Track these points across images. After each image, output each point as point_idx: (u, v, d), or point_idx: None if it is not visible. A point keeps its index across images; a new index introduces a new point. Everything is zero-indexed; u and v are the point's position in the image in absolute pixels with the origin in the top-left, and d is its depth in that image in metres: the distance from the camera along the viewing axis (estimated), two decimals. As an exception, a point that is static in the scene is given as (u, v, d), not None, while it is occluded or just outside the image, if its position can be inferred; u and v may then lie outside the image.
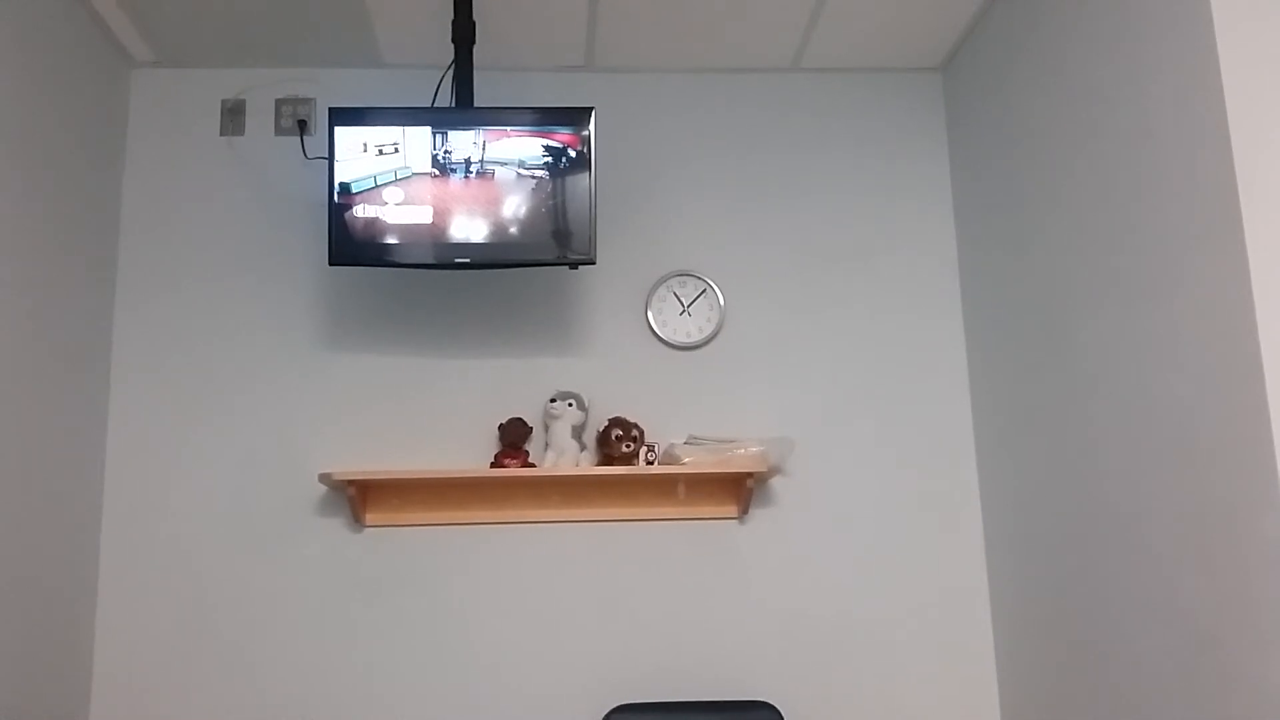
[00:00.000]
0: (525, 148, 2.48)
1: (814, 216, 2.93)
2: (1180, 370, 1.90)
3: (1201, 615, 1.85)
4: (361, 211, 2.47)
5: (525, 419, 2.72)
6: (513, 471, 2.61)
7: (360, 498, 2.66)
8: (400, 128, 2.48)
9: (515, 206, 2.48)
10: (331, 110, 2.50)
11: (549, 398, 2.70)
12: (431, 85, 2.75)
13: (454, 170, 2.47)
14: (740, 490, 2.71)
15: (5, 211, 2.24)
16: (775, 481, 2.79)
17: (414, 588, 2.69)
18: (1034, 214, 2.48)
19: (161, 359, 2.76)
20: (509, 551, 2.72)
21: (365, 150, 2.48)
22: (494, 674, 2.66)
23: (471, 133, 2.48)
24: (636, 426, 2.69)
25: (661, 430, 2.77)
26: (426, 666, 2.66)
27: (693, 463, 2.61)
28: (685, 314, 2.85)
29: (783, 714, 2.61)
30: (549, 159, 2.49)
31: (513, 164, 2.48)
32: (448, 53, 2.64)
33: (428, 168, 2.47)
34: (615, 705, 2.64)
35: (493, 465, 2.66)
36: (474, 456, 2.74)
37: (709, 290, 2.86)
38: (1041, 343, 2.45)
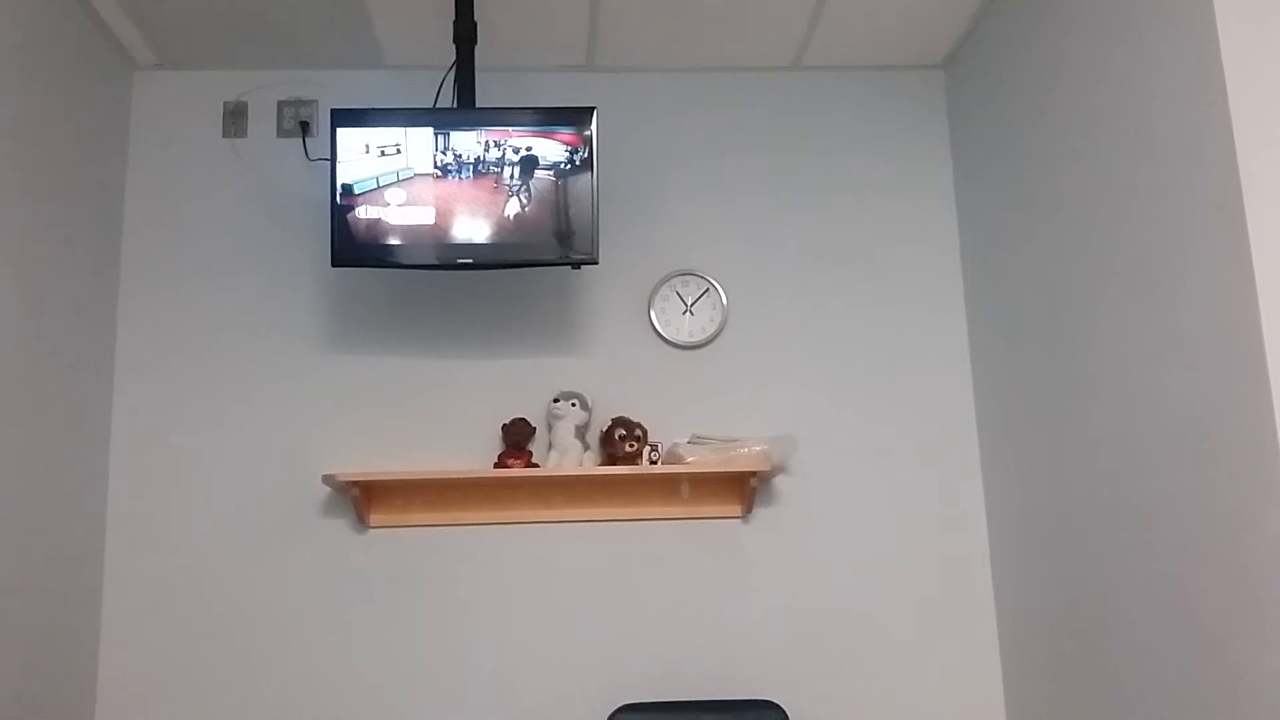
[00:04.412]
0: (530, 149, 2.48)
1: (817, 215, 2.92)
2: (1184, 367, 1.89)
3: (1206, 612, 1.84)
4: (364, 213, 2.47)
5: (528, 419, 2.72)
6: (516, 472, 2.61)
7: (364, 499, 2.66)
8: (402, 129, 2.48)
9: (517, 207, 2.48)
10: (333, 112, 2.51)
11: (552, 398, 2.70)
12: (433, 86, 2.75)
13: (456, 171, 2.48)
14: (744, 489, 2.71)
15: (8, 213, 2.25)
16: (779, 480, 2.79)
17: (418, 588, 2.69)
18: (1037, 211, 2.48)
19: (165, 361, 2.76)
20: (513, 552, 2.72)
21: (367, 151, 2.48)
22: (498, 674, 2.66)
23: (473, 133, 2.48)
24: (640, 426, 2.69)
25: (665, 430, 2.77)
26: (431, 667, 2.66)
27: (696, 462, 2.61)
28: (688, 313, 2.85)
29: (788, 713, 2.60)
30: (551, 159, 2.49)
31: (515, 164, 2.48)
32: (449, 53, 2.64)
33: (430, 168, 2.47)
34: (620, 705, 2.64)
35: (496, 466, 2.66)
36: (477, 457, 2.74)
37: (712, 289, 2.86)
38: (1045, 340, 2.44)
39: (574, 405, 2.67)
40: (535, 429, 2.72)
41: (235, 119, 2.88)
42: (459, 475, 2.61)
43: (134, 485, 2.70)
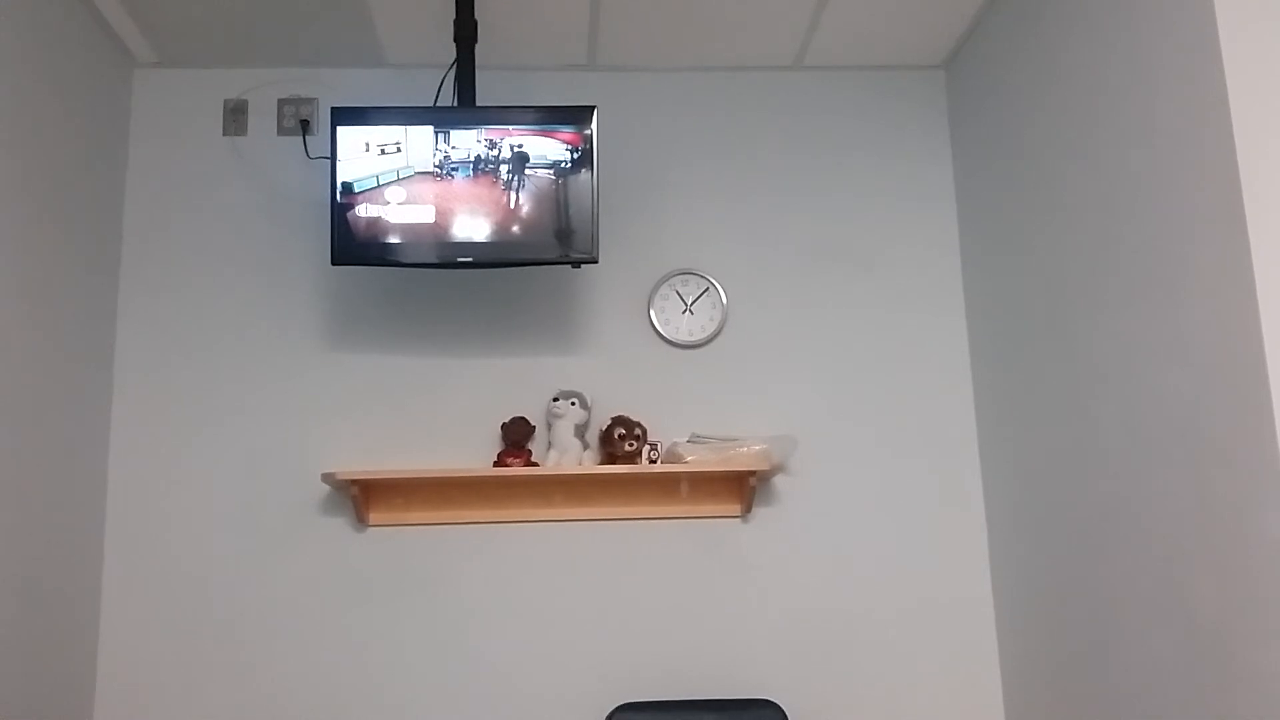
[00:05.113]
0: (528, 147, 2.48)
1: (817, 214, 2.92)
2: (1184, 367, 1.89)
3: (1206, 613, 1.84)
4: (364, 211, 2.47)
5: (528, 418, 2.72)
6: (516, 471, 2.61)
7: (363, 497, 2.66)
8: (402, 127, 2.48)
9: (516, 205, 2.48)
10: (334, 110, 2.51)
11: (552, 397, 2.70)
12: (434, 84, 2.75)
13: (456, 169, 2.48)
14: (743, 489, 2.71)
15: (7, 211, 2.25)
16: (778, 480, 2.79)
17: (417, 587, 2.69)
18: (1037, 211, 2.48)
19: (164, 359, 2.76)
20: (512, 551, 2.72)
21: (367, 150, 2.48)
22: (497, 672, 2.66)
23: (474, 132, 2.48)
24: (639, 425, 2.69)
25: (664, 429, 2.76)
26: (430, 665, 2.66)
27: (696, 461, 2.61)
28: (688, 312, 2.85)
29: (786, 712, 2.60)
30: (551, 158, 2.49)
31: (508, 161, 2.48)
32: (450, 52, 2.64)
33: (430, 167, 2.47)
34: (619, 704, 2.64)
35: (495, 464, 2.66)
36: (477, 456, 2.74)
37: (711, 289, 2.86)
38: (1044, 340, 2.44)
39: (573, 404, 2.67)
40: (535, 428, 2.72)
41: (235, 117, 2.88)
42: (458, 474, 2.61)
43: (133, 484, 2.70)
